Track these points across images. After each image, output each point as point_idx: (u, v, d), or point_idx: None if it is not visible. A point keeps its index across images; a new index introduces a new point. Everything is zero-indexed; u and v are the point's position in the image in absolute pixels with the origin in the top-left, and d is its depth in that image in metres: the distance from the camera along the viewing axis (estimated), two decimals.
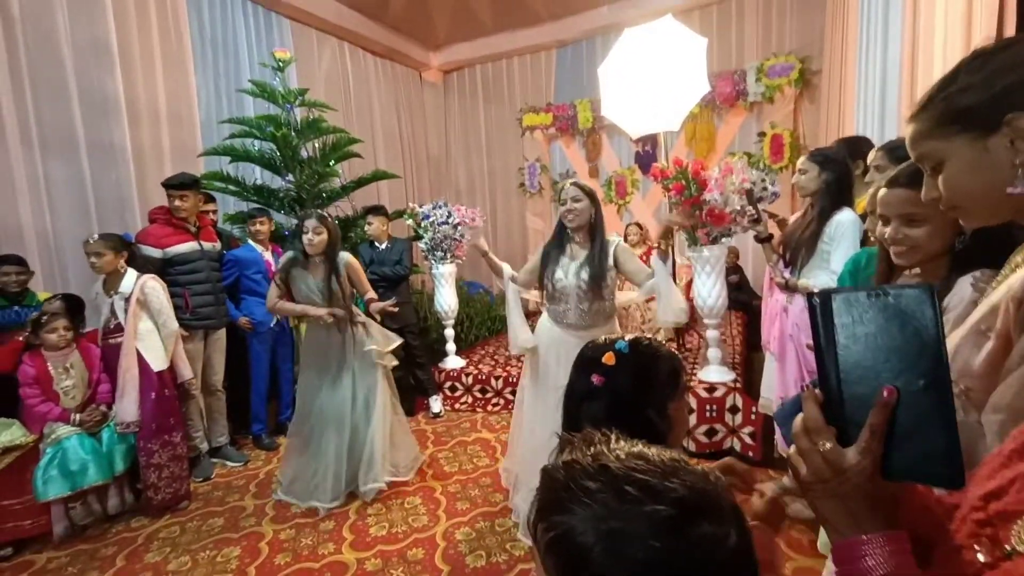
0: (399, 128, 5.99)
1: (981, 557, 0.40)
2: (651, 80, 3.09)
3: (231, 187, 3.59)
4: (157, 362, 2.58)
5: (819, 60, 4.47)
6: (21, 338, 2.43)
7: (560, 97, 5.88)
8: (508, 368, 3.80)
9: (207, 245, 2.99)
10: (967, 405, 0.65)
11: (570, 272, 2.08)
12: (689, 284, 3.87)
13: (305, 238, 2.45)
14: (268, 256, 3.28)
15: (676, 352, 0.90)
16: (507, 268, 2.34)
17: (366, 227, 3.64)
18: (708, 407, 2.78)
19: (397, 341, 2.70)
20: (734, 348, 3.69)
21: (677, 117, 3.26)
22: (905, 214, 1.05)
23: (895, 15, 2.75)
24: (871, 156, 1.88)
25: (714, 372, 2.89)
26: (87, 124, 3.19)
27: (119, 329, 2.56)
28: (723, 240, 2.83)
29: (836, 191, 1.96)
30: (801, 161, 2.09)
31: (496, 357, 4.15)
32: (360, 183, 4.12)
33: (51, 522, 2.32)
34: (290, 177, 3.73)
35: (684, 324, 3.71)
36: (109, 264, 2.53)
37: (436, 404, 3.65)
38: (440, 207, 3.77)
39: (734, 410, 2.75)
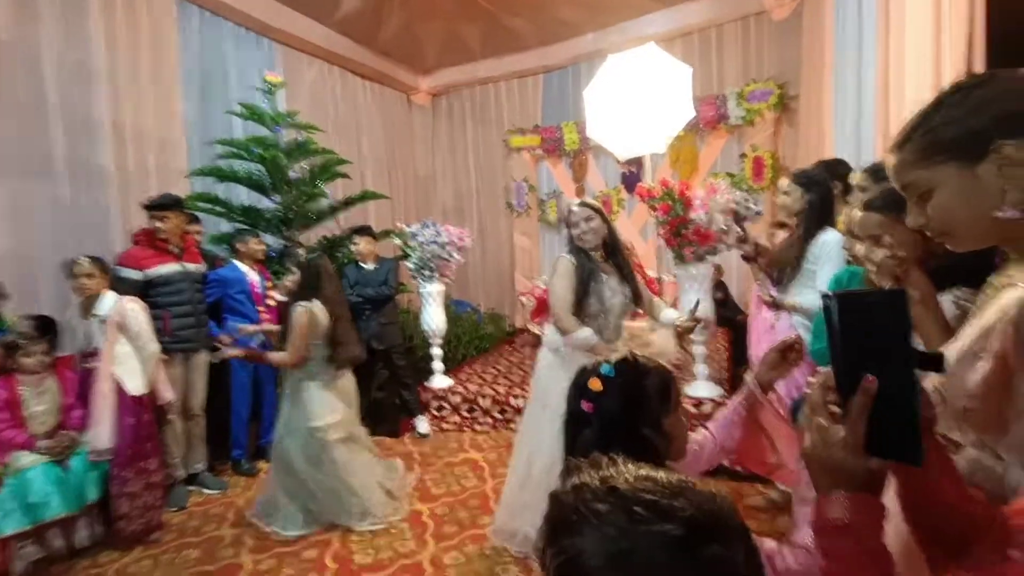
0: (387, 149, 6.03)
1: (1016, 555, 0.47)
2: (637, 104, 3.17)
3: (218, 208, 3.56)
4: (135, 386, 2.50)
5: (796, 85, 4.62)
6: None
7: (547, 119, 5.98)
8: (496, 386, 3.76)
9: (190, 266, 2.95)
10: (964, 426, 0.65)
11: (616, 289, 2.05)
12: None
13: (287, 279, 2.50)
14: (253, 276, 3.24)
15: (665, 364, 0.89)
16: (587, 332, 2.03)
17: (352, 247, 3.62)
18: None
19: (336, 416, 2.49)
20: (720, 364, 3.70)
21: (663, 140, 3.33)
22: (873, 236, 1.13)
23: (868, 43, 2.87)
24: (855, 177, 1.93)
25: (702, 388, 2.89)
26: (69, 146, 3.15)
27: (96, 353, 2.48)
28: (708, 258, 2.87)
29: (820, 211, 2.01)
30: (784, 183, 2.14)
31: (484, 376, 4.10)
32: (348, 203, 4.12)
33: (9, 559, 2.18)
34: (278, 198, 3.71)
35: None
36: (97, 286, 2.48)
37: (423, 424, 3.58)
38: (428, 226, 3.77)
39: None
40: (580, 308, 2.02)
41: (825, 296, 0.57)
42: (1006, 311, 0.61)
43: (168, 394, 2.70)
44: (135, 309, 2.55)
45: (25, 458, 2.26)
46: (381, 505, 2.49)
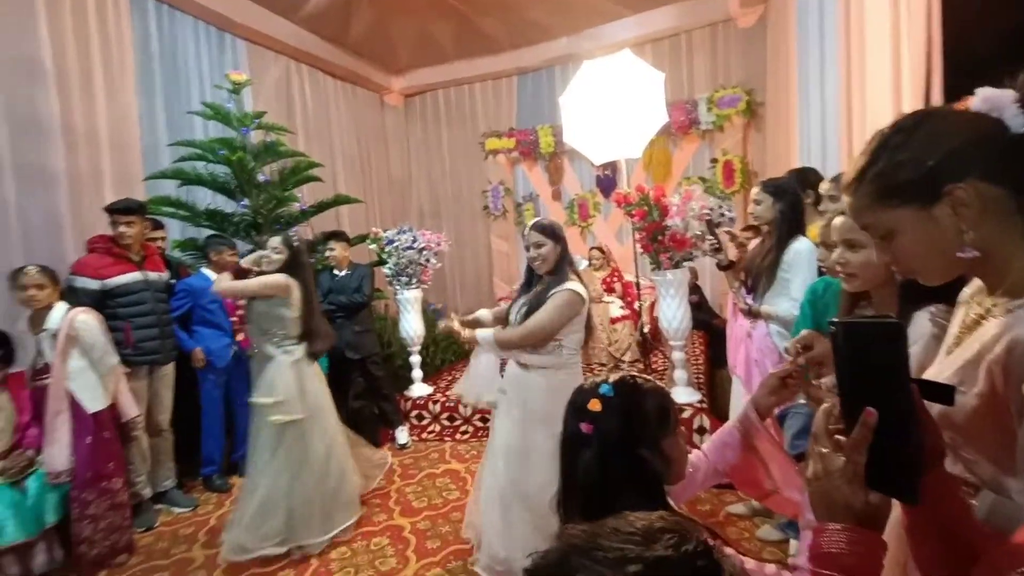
0: (360, 151, 5.91)
1: None
2: (612, 110, 3.19)
3: (181, 212, 3.41)
4: (92, 402, 2.36)
5: (763, 93, 4.76)
6: None
7: (522, 123, 5.98)
8: None
9: (152, 275, 2.81)
10: (953, 456, 0.66)
11: (516, 306, 2.00)
12: (652, 306, 3.97)
13: (268, 257, 2.37)
14: None
15: (662, 386, 0.89)
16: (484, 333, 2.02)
17: (327, 253, 3.52)
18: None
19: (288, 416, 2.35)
20: (697, 367, 3.77)
21: (638, 145, 3.37)
22: (847, 239, 1.15)
23: (830, 51, 2.96)
24: (823, 186, 1.99)
25: (682, 393, 2.94)
26: (14, 146, 2.95)
27: (47, 369, 2.33)
28: (684, 264, 2.92)
29: (791, 220, 2.06)
30: (755, 192, 2.19)
31: None
32: (321, 208, 4.01)
33: None
34: (246, 201, 3.58)
35: (650, 345, 3.80)
36: (48, 298, 2.32)
37: (403, 435, 3.53)
38: (405, 232, 3.71)
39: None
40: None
41: (830, 323, 0.57)
42: (987, 347, 0.62)
43: (132, 410, 2.57)
44: (87, 321, 2.39)
45: None
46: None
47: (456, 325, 2.05)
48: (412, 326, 3.77)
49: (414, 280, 3.73)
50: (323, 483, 2.38)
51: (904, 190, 0.63)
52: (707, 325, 4.61)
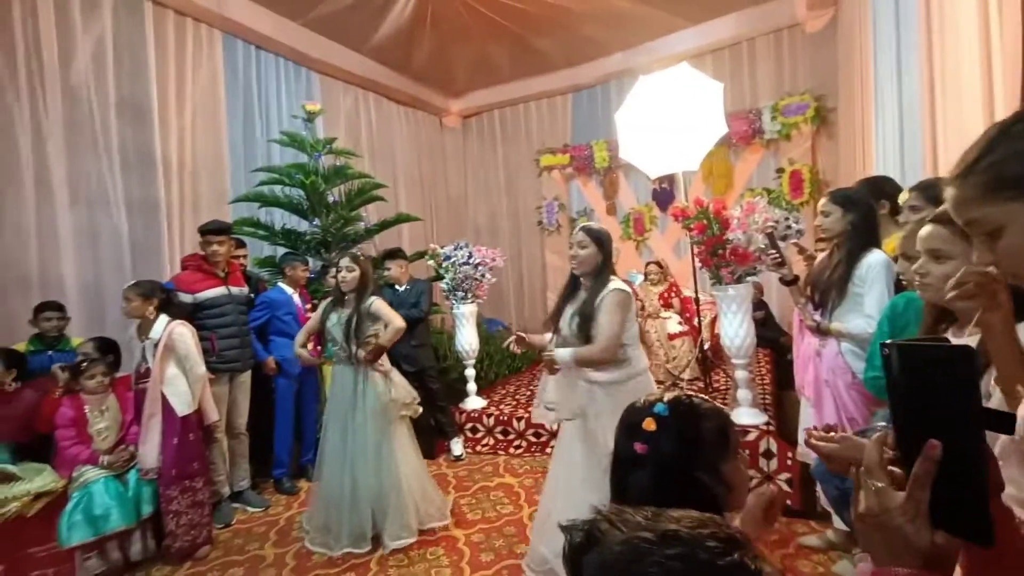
0: (420, 171, 6.18)
1: None
2: (669, 123, 3.15)
3: (260, 231, 3.72)
4: (182, 407, 2.59)
5: (834, 98, 4.51)
6: (57, 394, 2.50)
7: (577, 138, 6.02)
8: (531, 409, 3.73)
9: (234, 289, 3.07)
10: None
11: (566, 317, 2.01)
12: (714, 322, 3.82)
13: (339, 275, 2.53)
14: (296, 298, 3.36)
15: (721, 407, 0.87)
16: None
17: (385, 272, 3.69)
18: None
19: (415, 398, 2.71)
20: (764, 388, 3.57)
21: (695, 157, 3.30)
22: (931, 249, 1.09)
23: (909, 52, 2.77)
24: (904, 197, 1.86)
25: (745, 414, 2.79)
26: (126, 180, 3.38)
27: (148, 374, 2.61)
28: (747, 279, 2.80)
29: (863, 232, 1.94)
30: (822, 203, 2.07)
31: (517, 397, 4.09)
32: (384, 226, 4.23)
33: (75, 569, 2.31)
34: (317, 221, 3.85)
35: (711, 363, 3.65)
36: (136, 310, 2.58)
37: (457, 447, 3.59)
38: (461, 248, 3.82)
39: (768, 455, 2.64)
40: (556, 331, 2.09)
41: (883, 345, 0.53)
42: None
43: (214, 415, 2.79)
44: (183, 333, 2.64)
45: (89, 472, 2.39)
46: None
47: (530, 338, 2.13)
48: (467, 340, 3.85)
49: (470, 295, 3.82)
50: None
51: (1020, 183, 0.58)
52: (773, 343, 4.37)
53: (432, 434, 3.60)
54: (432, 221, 6.29)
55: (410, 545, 2.46)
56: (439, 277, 3.92)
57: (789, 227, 2.61)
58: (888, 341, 0.54)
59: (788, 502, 2.54)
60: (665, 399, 0.82)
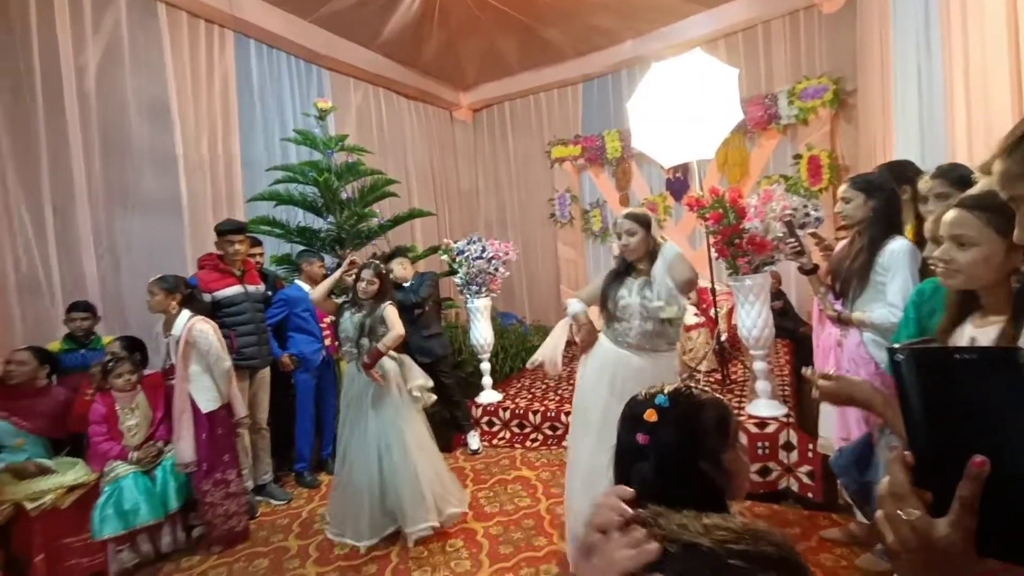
0: (431, 166, 6.18)
1: None
2: (682, 111, 3.10)
3: (276, 230, 3.76)
4: (206, 403, 2.63)
5: (853, 80, 4.39)
6: (88, 396, 2.58)
7: (588, 129, 5.96)
8: (546, 402, 3.75)
9: (251, 288, 3.11)
10: None
11: (633, 290, 2.00)
12: (730, 312, 3.77)
13: (360, 285, 2.59)
14: None
15: (721, 397, 0.87)
16: (573, 304, 2.14)
17: (390, 275, 3.67)
18: (760, 444, 2.65)
19: (428, 380, 2.76)
20: (783, 379, 3.53)
21: (710, 145, 3.24)
22: (956, 235, 1.06)
23: (933, 31, 2.68)
24: (924, 182, 1.81)
25: (764, 406, 2.76)
26: (149, 180, 3.45)
27: (174, 370, 2.66)
28: (765, 268, 2.75)
29: (885, 218, 1.89)
30: (843, 189, 2.02)
31: (532, 390, 4.10)
32: (397, 221, 4.25)
33: (107, 560, 2.39)
34: (331, 218, 3.88)
35: (729, 355, 3.61)
36: (159, 304, 2.61)
37: (474, 440, 3.61)
38: (474, 242, 3.83)
39: (788, 447, 2.61)
40: (603, 310, 2.09)
41: (892, 350, 0.46)
42: None
43: (242, 410, 2.84)
44: (203, 329, 2.64)
45: (120, 467, 2.48)
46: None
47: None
48: (482, 334, 3.86)
49: (484, 289, 3.83)
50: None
51: None
52: (793, 333, 4.31)
53: (449, 428, 3.63)
54: (444, 215, 6.30)
55: (430, 537, 2.50)
56: (452, 271, 3.93)
57: (808, 215, 2.57)
58: (897, 345, 0.47)
59: (809, 495, 2.51)
60: (666, 391, 0.82)
